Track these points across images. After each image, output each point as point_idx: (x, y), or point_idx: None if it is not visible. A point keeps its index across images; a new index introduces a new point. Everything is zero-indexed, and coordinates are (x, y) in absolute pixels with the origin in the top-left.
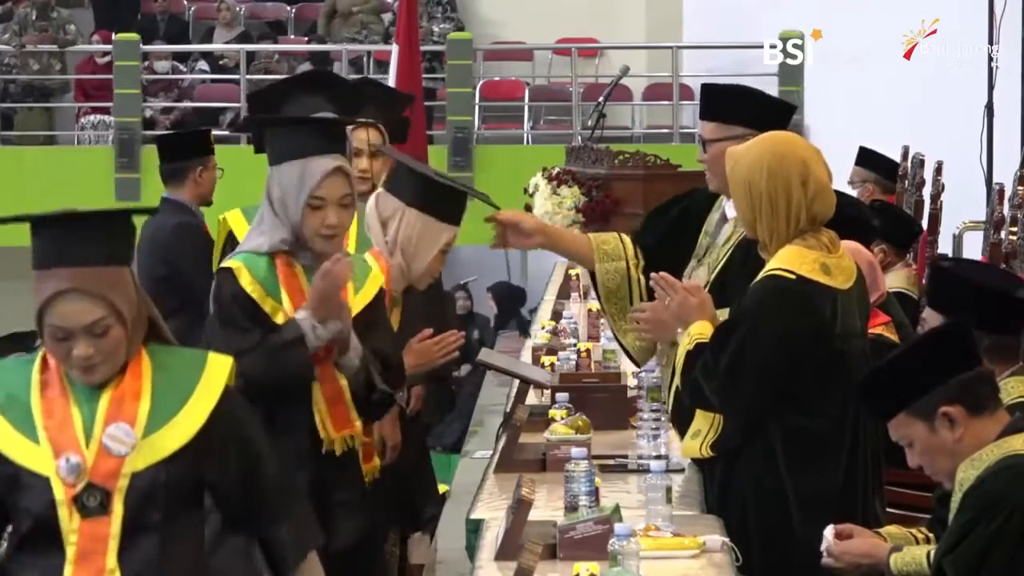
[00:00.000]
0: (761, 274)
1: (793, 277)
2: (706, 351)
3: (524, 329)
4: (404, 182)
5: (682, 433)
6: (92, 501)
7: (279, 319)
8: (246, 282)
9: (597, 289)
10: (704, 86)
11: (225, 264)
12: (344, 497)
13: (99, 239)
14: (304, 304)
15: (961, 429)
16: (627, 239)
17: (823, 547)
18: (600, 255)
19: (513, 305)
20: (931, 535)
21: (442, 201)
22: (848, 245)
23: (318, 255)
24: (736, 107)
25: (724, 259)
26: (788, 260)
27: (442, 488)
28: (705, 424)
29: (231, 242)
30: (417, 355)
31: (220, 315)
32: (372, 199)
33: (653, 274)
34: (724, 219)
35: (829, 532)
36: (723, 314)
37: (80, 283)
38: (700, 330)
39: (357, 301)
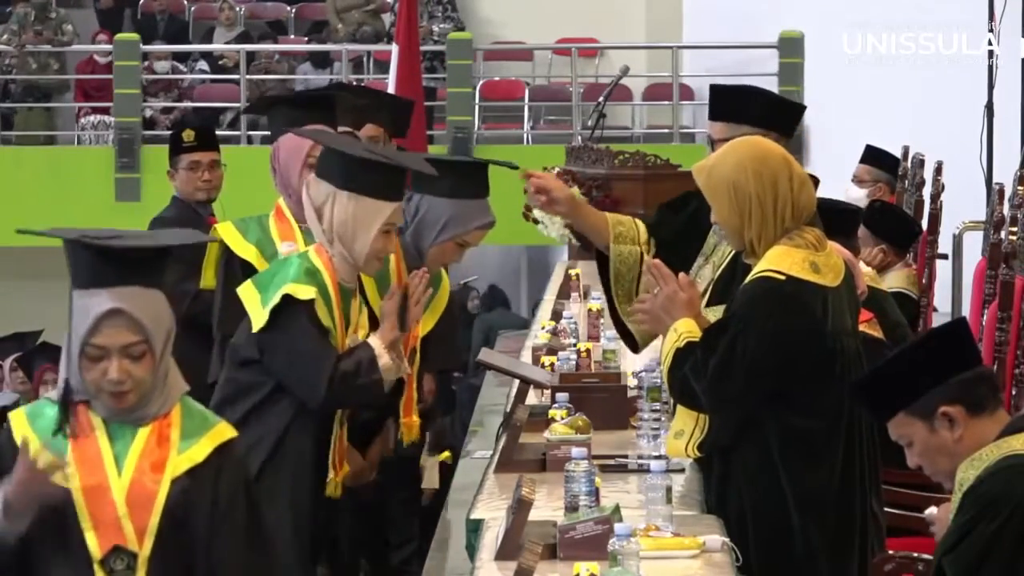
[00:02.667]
0: (751, 276)
1: (783, 278)
2: (696, 350)
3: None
4: (331, 165)
5: None
6: None
7: (66, 486)
8: (21, 432)
9: (607, 268)
10: (712, 87)
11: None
12: None
13: None
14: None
15: (961, 429)
16: (641, 225)
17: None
18: (616, 235)
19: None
20: None
21: (372, 177)
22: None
23: (114, 410)
24: (744, 107)
25: (728, 259)
26: (777, 261)
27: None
28: (689, 424)
29: (230, 257)
30: (390, 315)
31: None
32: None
33: (647, 260)
34: None
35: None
36: (719, 311)
37: None
38: (688, 328)
39: None
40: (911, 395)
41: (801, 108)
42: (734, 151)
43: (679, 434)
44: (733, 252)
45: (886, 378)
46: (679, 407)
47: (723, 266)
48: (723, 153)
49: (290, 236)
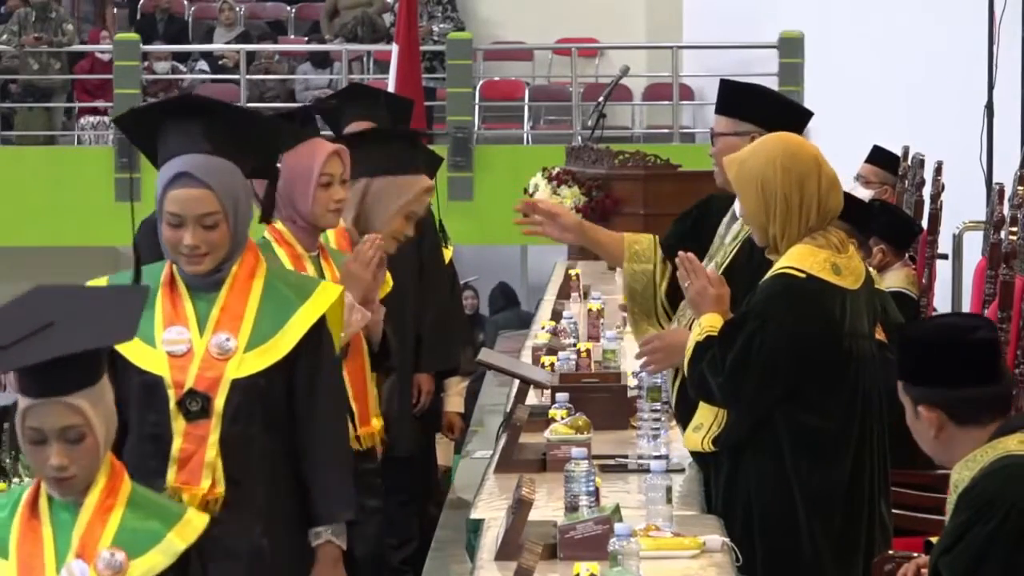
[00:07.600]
0: (771, 272)
1: (803, 275)
2: (714, 345)
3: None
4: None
5: (684, 429)
6: None
7: None
8: None
9: (624, 288)
10: (723, 81)
11: None
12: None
13: None
14: None
15: (941, 433)
16: (658, 242)
17: None
18: (630, 255)
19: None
20: None
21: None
22: None
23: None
24: (751, 105)
25: (731, 256)
26: (798, 259)
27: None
28: (708, 418)
29: None
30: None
31: None
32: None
33: (680, 253)
34: (734, 218)
35: None
36: None
37: None
38: (711, 322)
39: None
40: (916, 376)
41: (808, 113)
42: (766, 146)
43: (698, 428)
44: (735, 250)
45: (911, 346)
46: (701, 402)
47: (725, 264)
48: (755, 147)
49: (301, 266)
